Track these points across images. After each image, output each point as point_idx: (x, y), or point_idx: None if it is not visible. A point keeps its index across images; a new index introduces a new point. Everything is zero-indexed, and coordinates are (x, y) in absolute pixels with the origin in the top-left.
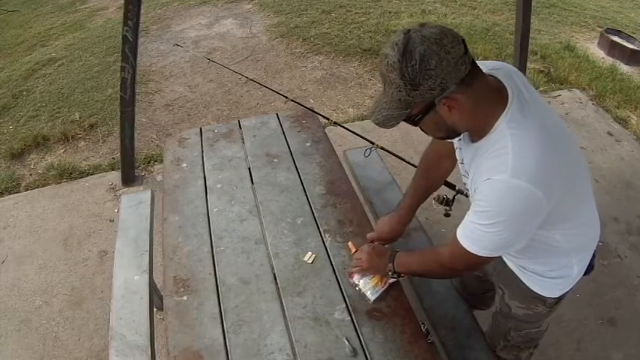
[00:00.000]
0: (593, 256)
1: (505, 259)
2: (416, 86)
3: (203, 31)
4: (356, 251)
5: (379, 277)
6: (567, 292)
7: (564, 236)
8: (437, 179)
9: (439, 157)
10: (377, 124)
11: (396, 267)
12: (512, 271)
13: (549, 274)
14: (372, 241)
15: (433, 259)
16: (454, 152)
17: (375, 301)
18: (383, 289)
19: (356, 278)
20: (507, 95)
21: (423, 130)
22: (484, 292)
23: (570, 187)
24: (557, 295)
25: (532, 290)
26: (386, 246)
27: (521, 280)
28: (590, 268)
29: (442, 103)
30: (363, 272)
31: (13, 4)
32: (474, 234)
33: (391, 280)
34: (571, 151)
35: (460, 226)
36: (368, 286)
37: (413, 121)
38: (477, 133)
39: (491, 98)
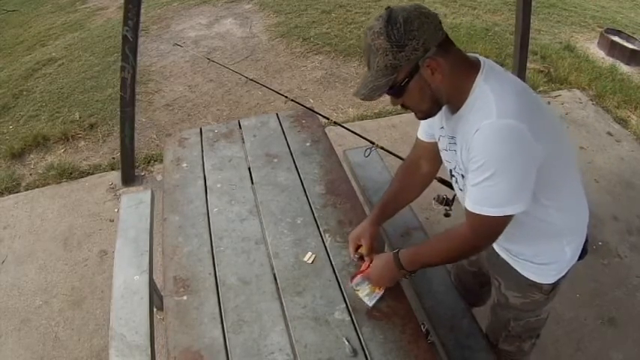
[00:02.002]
0: (586, 241)
1: (497, 249)
2: (402, 47)
3: (203, 31)
4: (362, 272)
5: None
6: (562, 278)
7: (557, 211)
8: (411, 183)
9: (418, 159)
10: (363, 97)
11: (406, 267)
12: (505, 261)
13: (541, 260)
14: (356, 249)
15: (451, 242)
16: (434, 156)
17: (373, 305)
18: (380, 294)
19: (355, 282)
20: (480, 62)
21: (407, 105)
22: (481, 287)
23: (557, 144)
24: (551, 281)
25: (526, 278)
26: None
27: (514, 269)
28: (583, 252)
29: (426, 65)
30: (376, 284)
31: (13, 3)
32: (482, 195)
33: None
34: (550, 112)
35: (466, 198)
36: (365, 292)
37: (399, 88)
38: (457, 100)
39: (466, 63)
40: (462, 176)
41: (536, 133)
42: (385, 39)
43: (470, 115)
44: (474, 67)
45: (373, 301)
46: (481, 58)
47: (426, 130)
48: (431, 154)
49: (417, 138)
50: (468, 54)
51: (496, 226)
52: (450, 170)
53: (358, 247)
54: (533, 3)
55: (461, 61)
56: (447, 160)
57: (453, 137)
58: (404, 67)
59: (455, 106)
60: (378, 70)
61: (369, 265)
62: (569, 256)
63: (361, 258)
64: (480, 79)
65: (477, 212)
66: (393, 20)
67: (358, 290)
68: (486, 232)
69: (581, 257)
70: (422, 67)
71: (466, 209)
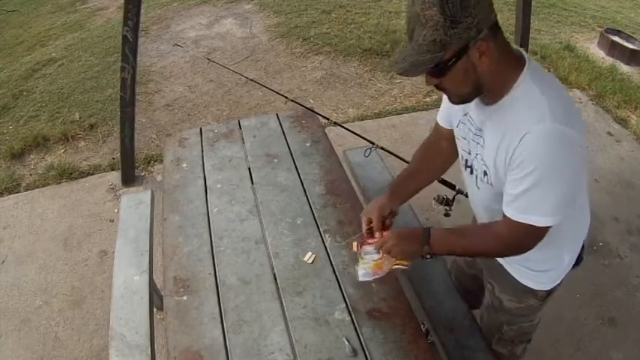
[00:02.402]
0: (583, 247)
1: None
2: (455, 23)
3: (203, 31)
4: (378, 238)
5: (384, 262)
6: (558, 285)
7: (566, 219)
8: (432, 163)
9: (438, 140)
10: (401, 72)
11: (434, 249)
12: (501, 265)
13: (539, 267)
14: (368, 224)
15: (485, 242)
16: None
17: (360, 281)
18: (378, 276)
19: (364, 250)
20: (524, 56)
21: (444, 87)
22: (480, 289)
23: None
24: (547, 287)
25: (522, 284)
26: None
27: (511, 275)
28: (579, 259)
29: (476, 47)
30: (391, 253)
31: (13, 4)
32: (529, 203)
33: (395, 267)
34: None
35: (506, 204)
36: (367, 265)
37: (443, 68)
38: (498, 90)
39: (512, 54)
40: (485, 173)
41: (583, 138)
42: (439, 11)
43: (513, 112)
44: (519, 60)
45: (365, 278)
46: (524, 53)
47: (445, 116)
48: (453, 138)
49: (437, 122)
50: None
51: (538, 236)
52: (466, 160)
53: (370, 223)
54: (533, 3)
55: (507, 50)
56: (464, 150)
57: (480, 129)
58: (453, 46)
59: (492, 97)
60: (424, 43)
61: (381, 235)
62: (566, 263)
63: (370, 234)
64: (526, 75)
65: (522, 221)
66: None
67: (363, 259)
68: (525, 242)
69: (577, 264)
70: (471, 49)
71: (505, 215)
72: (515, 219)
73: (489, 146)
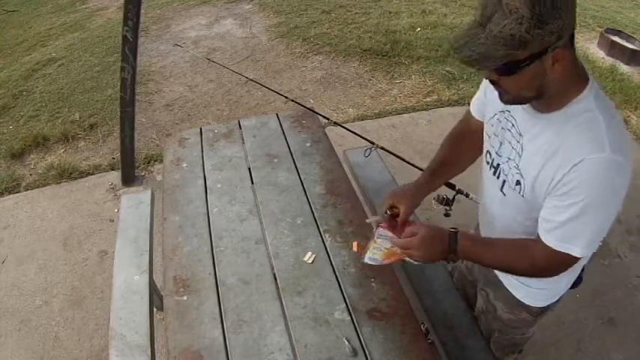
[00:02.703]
0: (583, 269)
1: None
2: (542, 23)
3: (203, 31)
4: (395, 228)
5: (395, 253)
6: (555, 303)
7: None
8: (463, 149)
9: (468, 127)
10: (467, 61)
11: (460, 254)
12: (497, 277)
13: (536, 284)
14: (391, 208)
15: (518, 259)
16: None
17: (364, 263)
18: (385, 263)
19: (378, 233)
20: (587, 72)
21: (502, 85)
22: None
23: None
24: (541, 305)
25: (516, 297)
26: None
27: (505, 287)
28: (578, 280)
29: (552, 53)
30: (412, 258)
31: (13, 4)
32: (574, 232)
33: (405, 258)
34: None
35: (546, 231)
36: (379, 251)
37: (514, 66)
38: (556, 100)
39: (579, 68)
40: (518, 182)
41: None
42: (528, 5)
43: (570, 131)
44: (583, 76)
45: (371, 262)
46: (586, 70)
47: (479, 106)
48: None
49: (469, 111)
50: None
51: (571, 265)
52: (493, 160)
53: (390, 208)
54: None
55: (575, 62)
56: (493, 148)
57: (521, 134)
58: (532, 46)
59: (547, 105)
60: (501, 36)
61: (400, 228)
62: (564, 284)
63: (391, 219)
64: (589, 94)
65: (562, 250)
66: None
67: (375, 243)
68: (558, 270)
69: (575, 285)
70: (548, 54)
71: (543, 241)
72: (556, 248)
73: (531, 158)
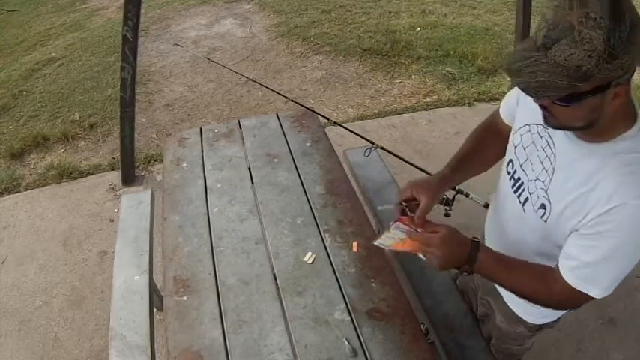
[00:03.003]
0: None
1: None
2: (612, 57)
3: (203, 31)
4: (411, 226)
5: (406, 244)
6: (554, 322)
7: None
8: (490, 143)
9: (496, 123)
10: (524, 86)
11: (477, 265)
12: (495, 289)
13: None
14: (407, 201)
15: (535, 286)
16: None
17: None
18: (396, 250)
19: (395, 226)
20: (636, 107)
21: (553, 112)
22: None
23: None
24: (539, 322)
25: (515, 313)
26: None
27: (503, 300)
28: None
29: (615, 89)
30: (428, 256)
31: (13, 4)
32: (597, 274)
33: (419, 253)
34: None
35: (569, 269)
36: (393, 239)
37: (574, 98)
38: (602, 133)
39: (631, 104)
40: (543, 206)
41: None
42: (603, 37)
43: (613, 170)
44: (632, 112)
45: (381, 246)
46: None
47: (509, 111)
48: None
49: (498, 112)
50: None
51: (585, 302)
52: (515, 171)
53: (411, 200)
54: (533, 3)
55: (630, 98)
56: (518, 161)
57: (555, 157)
58: (596, 80)
59: (591, 135)
60: (566, 65)
61: (418, 220)
62: None
63: (404, 211)
64: (638, 133)
65: (582, 290)
66: (620, 17)
67: (389, 231)
68: (573, 305)
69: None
70: (610, 88)
71: (564, 277)
72: (576, 287)
73: (563, 185)
